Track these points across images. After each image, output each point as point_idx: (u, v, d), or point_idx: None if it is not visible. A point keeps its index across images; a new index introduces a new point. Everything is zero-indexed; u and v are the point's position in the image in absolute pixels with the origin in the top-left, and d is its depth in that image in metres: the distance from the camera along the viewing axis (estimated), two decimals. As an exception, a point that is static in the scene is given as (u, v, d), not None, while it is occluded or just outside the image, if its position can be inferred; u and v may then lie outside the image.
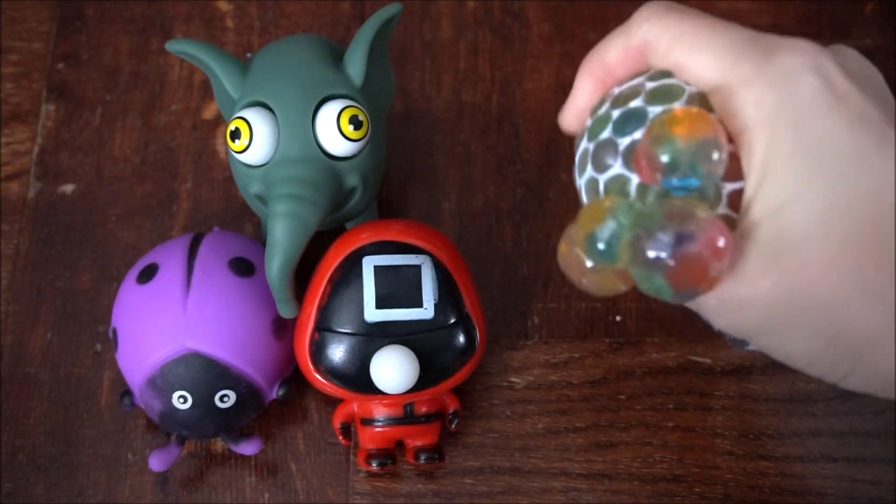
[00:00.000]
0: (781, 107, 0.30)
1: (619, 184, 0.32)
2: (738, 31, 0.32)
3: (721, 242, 0.29)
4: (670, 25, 0.33)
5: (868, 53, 0.52)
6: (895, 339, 0.30)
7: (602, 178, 0.33)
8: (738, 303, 0.31)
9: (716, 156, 0.29)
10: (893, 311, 0.29)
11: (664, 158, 0.30)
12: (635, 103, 0.33)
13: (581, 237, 0.31)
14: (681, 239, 0.29)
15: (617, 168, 0.32)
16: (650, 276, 0.29)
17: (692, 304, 0.32)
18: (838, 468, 0.43)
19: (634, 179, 0.32)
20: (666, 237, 0.29)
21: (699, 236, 0.29)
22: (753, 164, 0.30)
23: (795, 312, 0.30)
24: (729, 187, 0.31)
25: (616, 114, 0.33)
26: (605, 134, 0.33)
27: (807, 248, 0.29)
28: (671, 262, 0.29)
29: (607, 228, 0.30)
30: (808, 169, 0.29)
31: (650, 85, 0.33)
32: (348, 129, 0.39)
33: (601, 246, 0.30)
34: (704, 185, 0.30)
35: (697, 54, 0.32)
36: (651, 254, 0.29)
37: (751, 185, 0.30)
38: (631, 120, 0.32)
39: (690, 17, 0.32)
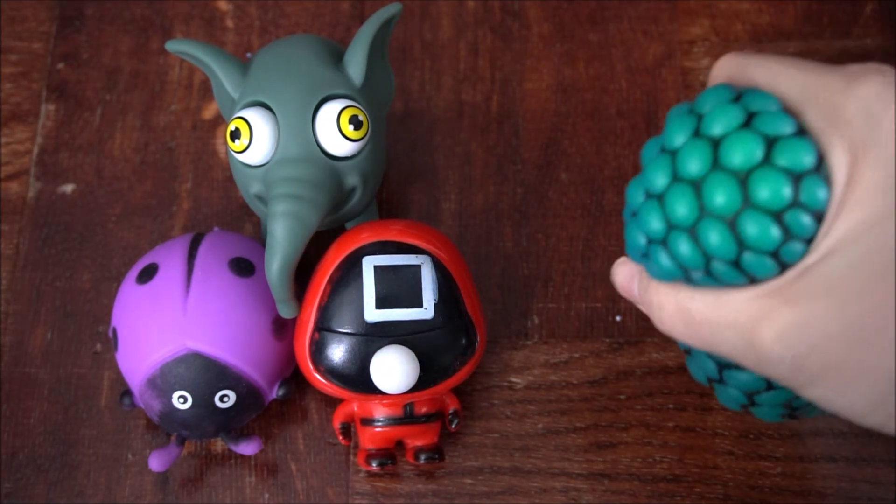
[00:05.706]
0: (868, 134, 0.29)
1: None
2: (812, 63, 0.31)
3: None
4: (750, 58, 0.32)
5: (868, 53, 0.52)
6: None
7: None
8: (801, 332, 0.29)
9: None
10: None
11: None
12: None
13: None
14: None
15: None
16: None
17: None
18: (838, 468, 0.43)
19: None
20: None
21: None
22: (836, 187, 0.29)
23: (859, 354, 0.28)
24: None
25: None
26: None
27: (880, 281, 0.28)
28: None
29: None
30: (889, 199, 0.28)
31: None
32: (348, 129, 0.39)
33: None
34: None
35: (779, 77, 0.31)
36: None
37: (831, 210, 0.29)
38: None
39: (768, 54, 0.31)
